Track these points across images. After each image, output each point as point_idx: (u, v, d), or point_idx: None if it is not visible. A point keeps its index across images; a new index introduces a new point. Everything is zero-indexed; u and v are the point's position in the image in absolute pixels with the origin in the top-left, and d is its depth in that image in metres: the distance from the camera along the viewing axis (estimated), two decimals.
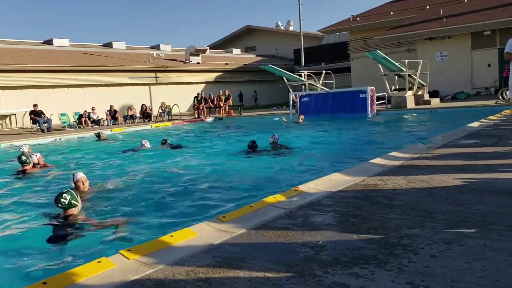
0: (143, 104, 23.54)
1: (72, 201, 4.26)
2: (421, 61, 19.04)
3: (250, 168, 7.32)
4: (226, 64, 33.79)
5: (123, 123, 21.71)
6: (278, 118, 18.53)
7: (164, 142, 11.41)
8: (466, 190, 3.74)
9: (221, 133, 14.81)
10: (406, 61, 17.81)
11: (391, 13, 27.63)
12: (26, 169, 7.57)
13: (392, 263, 2.29)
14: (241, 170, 7.22)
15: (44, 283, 2.24)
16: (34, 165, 7.88)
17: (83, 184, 5.53)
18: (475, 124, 8.88)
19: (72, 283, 2.24)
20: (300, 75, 21.38)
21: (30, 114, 19.13)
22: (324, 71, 21.98)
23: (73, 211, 4.30)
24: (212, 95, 24.18)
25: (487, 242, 2.49)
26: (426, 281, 2.05)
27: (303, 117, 15.93)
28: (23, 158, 7.72)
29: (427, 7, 26.56)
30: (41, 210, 5.15)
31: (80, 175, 5.61)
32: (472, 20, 21.80)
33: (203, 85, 30.75)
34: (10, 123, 22.32)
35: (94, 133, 15.10)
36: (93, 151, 11.52)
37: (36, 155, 8.14)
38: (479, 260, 2.25)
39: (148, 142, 11.14)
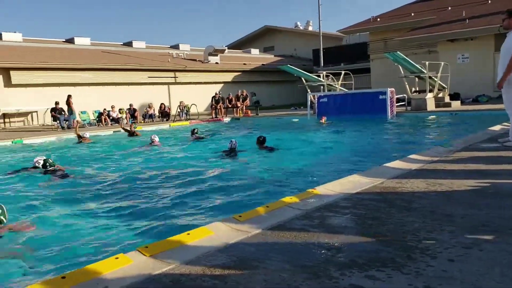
0: (161, 103, 23.73)
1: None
2: (442, 63, 18.76)
3: (267, 168, 7.32)
4: (244, 64, 33.82)
5: (142, 121, 21.93)
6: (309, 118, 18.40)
7: (193, 132, 11.62)
8: (487, 195, 3.67)
9: (240, 132, 14.83)
10: (427, 62, 17.56)
11: (412, 14, 27.27)
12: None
13: (409, 266, 2.27)
14: (259, 170, 7.22)
15: (63, 277, 2.28)
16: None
17: None
18: (497, 127, 8.71)
19: (91, 278, 2.28)
20: (319, 76, 21.28)
21: (51, 111, 19.49)
22: (343, 72, 21.82)
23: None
24: (230, 95, 24.31)
25: (507, 247, 2.45)
26: (444, 285, 2.02)
27: (326, 118, 15.81)
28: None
29: (449, 8, 26.14)
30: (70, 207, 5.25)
31: None
32: (495, 21, 21.36)
33: (221, 85, 30.83)
34: (32, 120, 22.75)
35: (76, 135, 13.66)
36: (101, 150, 11.34)
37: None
38: (498, 266, 2.21)
39: (157, 138, 10.99)
